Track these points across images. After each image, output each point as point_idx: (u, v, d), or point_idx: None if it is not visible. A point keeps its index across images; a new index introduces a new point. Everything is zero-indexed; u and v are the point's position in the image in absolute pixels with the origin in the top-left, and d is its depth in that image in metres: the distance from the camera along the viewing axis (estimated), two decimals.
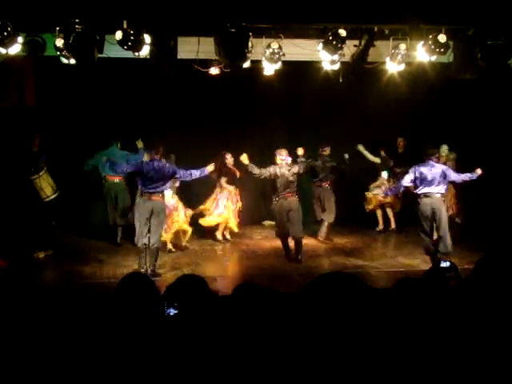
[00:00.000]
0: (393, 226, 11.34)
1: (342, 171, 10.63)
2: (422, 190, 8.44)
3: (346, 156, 10.67)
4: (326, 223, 10.59)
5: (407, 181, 8.58)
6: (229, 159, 10.32)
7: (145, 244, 8.15)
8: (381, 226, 11.41)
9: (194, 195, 10.82)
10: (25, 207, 9.25)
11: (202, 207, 10.42)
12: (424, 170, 8.42)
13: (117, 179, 10.07)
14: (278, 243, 9.80)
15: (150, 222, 8.15)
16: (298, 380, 2.41)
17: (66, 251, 9.46)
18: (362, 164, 11.40)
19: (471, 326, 2.92)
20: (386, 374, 2.46)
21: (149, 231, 8.16)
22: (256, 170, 9.05)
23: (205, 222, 10.46)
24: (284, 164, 9.12)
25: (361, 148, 11.33)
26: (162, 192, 8.23)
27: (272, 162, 9.75)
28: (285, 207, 9.08)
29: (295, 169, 9.15)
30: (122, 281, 3.07)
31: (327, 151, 10.68)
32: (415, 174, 8.45)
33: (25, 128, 9.65)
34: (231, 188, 10.44)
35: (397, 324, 2.80)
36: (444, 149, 10.30)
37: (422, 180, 8.42)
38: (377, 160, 11.37)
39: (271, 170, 9.07)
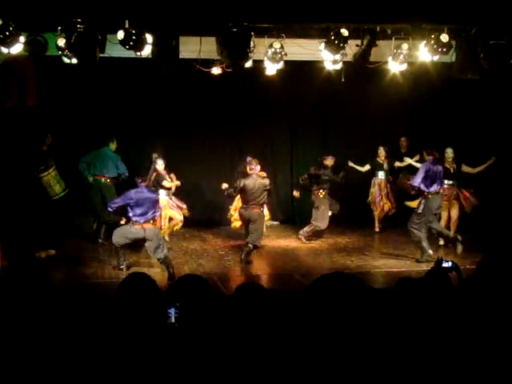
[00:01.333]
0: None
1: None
2: (431, 188, 8.70)
3: (341, 175, 10.60)
4: (312, 226, 10.47)
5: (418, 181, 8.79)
6: None
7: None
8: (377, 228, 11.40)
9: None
10: (29, 206, 9.27)
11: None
12: (433, 168, 8.69)
13: (103, 179, 10.14)
14: (279, 243, 9.84)
15: (140, 244, 8.34)
16: (300, 380, 2.41)
17: (68, 251, 9.46)
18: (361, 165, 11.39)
19: (473, 326, 2.91)
20: (388, 374, 2.45)
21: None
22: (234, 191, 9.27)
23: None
24: (254, 175, 9.20)
25: (351, 164, 11.16)
26: (153, 219, 8.35)
27: (272, 162, 9.88)
28: (244, 217, 9.25)
29: (266, 182, 9.22)
30: (123, 281, 3.07)
31: (327, 161, 10.53)
32: (425, 173, 8.69)
33: (33, 127, 9.69)
34: None
35: (398, 324, 2.80)
36: (449, 152, 10.26)
37: (431, 178, 8.70)
38: (366, 168, 11.25)
39: (238, 183, 9.17)
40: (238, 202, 10.06)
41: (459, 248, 8.48)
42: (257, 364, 2.53)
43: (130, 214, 8.18)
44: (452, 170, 9.99)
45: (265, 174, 9.79)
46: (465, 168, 10.18)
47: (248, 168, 9.37)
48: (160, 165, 9.48)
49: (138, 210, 8.13)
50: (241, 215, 9.45)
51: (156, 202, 8.40)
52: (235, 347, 2.63)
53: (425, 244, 8.87)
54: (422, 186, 8.71)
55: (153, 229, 8.22)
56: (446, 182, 9.84)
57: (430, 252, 8.81)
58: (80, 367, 2.70)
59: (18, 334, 3.01)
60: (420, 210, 8.77)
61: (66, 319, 3.19)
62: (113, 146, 10.24)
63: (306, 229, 10.46)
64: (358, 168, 11.18)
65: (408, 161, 10.81)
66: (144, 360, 2.64)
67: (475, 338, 2.82)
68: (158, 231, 8.47)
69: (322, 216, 10.33)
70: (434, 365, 2.61)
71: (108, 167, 10.14)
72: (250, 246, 9.03)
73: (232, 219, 10.47)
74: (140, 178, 8.37)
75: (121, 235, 8.23)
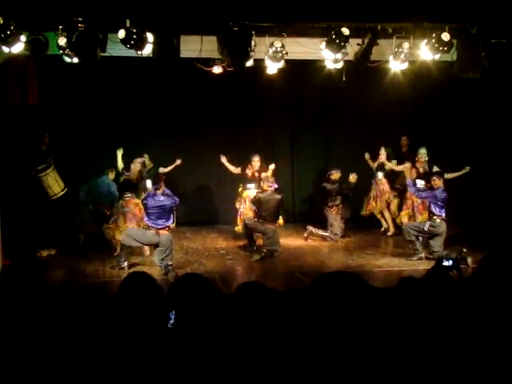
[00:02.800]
0: (391, 229, 11.14)
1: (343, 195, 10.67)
2: (444, 214, 8.96)
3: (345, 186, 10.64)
4: (325, 235, 10.60)
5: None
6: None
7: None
8: (385, 226, 11.29)
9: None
10: (30, 205, 9.27)
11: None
12: (442, 195, 8.94)
13: (101, 208, 9.84)
14: (281, 242, 9.78)
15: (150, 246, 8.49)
16: (301, 379, 2.41)
17: (69, 250, 9.46)
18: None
19: (475, 325, 2.91)
20: (389, 373, 2.45)
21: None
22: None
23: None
24: (270, 191, 9.47)
25: (367, 156, 11.07)
26: (169, 226, 8.37)
27: (272, 161, 9.94)
28: (258, 230, 9.49)
29: (280, 196, 9.56)
30: (125, 280, 3.07)
31: (333, 175, 10.57)
32: (437, 198, 8.95)
33: (33, 126, 9.68)
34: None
35: (400, 323, 2.79)
36: (422, 153, 10.28)
37: (445, 204, 8.97)
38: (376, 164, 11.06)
39: (255, 197, 9.59)
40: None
41: (469, 260, 8.47)
42: (258, 363, 2.53)
43: (146, 219, 8.31)
44: (422, 170, 10.11)
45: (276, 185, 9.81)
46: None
47: (265, 184, 9.54)
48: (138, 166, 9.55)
49: (153, 216, 8.23)
50: (252, 228, 9.54)
51: (172, 209, 8.43)
52: (236, 346, 2.63)
53: (418, 245, 9.10)
54: (436, 210, 8.93)
55: (167, 235, 8.30)
56: (418, 182, 9.90)
57: (422, 255, 9.01)
58: (81, 366, 2.70)
59: (19, 333, 3.01)
60: (426, 229, 8.95)
61: (67, 318, 3.19)
62: (111, 175, 9.94)
63: (319, 231, 10.62)
64: (371, 164, 11.12)
65: (391, 166, 10.78)
66: (145, 359, 2.64)
67: (477, 337, 2.82)
68: (172, 239, 8.49)
69: (336, 231, 10.52)
70: (436, 363, 2.61)
71: (105, 196, 9.82)
72: (264, 250, 9.25)
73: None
74: (154, 186, 8.39)
75: (132, 237, 8.31)
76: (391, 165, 10.82)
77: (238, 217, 10.39)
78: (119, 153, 9.86)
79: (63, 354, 2.78)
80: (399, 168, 10.58)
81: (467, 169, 9.97)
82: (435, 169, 10.02)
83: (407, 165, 10.25)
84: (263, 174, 9.97)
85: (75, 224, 10.41)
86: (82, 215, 10.36)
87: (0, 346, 2.90)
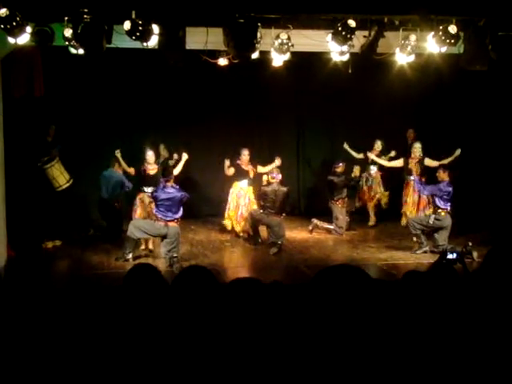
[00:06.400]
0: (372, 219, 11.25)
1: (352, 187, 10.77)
2: (449, 207, 8.99)
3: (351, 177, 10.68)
4: (330, 229, 10.59)
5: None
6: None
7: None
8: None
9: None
10: (36, 197, 9.30)
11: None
12: (447, 189, 8.94)
13: (116, 204, 9.87)
14: (286, 235, 9.79)
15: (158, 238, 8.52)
16: (305, 372, 2.41)
17: (74, 242, 9.49)
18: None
19: (479, 318, 2.90)
20: (394, 366, 2.45)
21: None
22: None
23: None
24: (275, 184, 9.48)
25: (346, 146, 11.06)
26: (177, 218, 8.38)
27: (278, 154, 9.92)
28: (263, 222, 9.51)
29: (285, 189, 9.56)
30: (129, 271, 3.07)
31: (339, 168, 10.55)
32: (442, 191, 8.96)
33: (38, 118, 9.70)
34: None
35: (404, 317, 2.79)
36: (417, 147, 10.27)
37: (451, 198, 8.98)
38: (361, 155, 11.02)
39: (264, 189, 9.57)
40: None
41: (475, 254, 8.43)
42: (261, 356, 2.53)
43: (155, 211, 8.34)
44: (415, 169, 10.08)
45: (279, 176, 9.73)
46: (428, 162, 10.12)
47: (270, 177, 9.56)
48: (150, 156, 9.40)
49: (163, 208, 8.25)
50: (258, 220, 9.55)
51: (181, 201, 8.41)
52: (240, 339, 2.63)
53: (423, 238, 9.12)
54: (441, 203, 8.95)
55: (176, 228, 8.33)
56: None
57: (427, 248, 9.04)
58: (86, 357, 2.70)
59: (24, 325, 3.02)
60: (431, 222, 8.98)
61: (72, 309, 3.20)
62: (117, 166, 9.73)
63: (324, 225, 10.62)
64: (353, 153, 11.07)
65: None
66: (149, 351, 2.64)
67: (482, 331, 2.82)
68: (180, 231, 8.53)
69: (341, 224, 10.52)
70: (439, 356, 2.61)
71: (117, 190, 9.79)
72: (280, 242, 9.23)
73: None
74: (165, 178, 8.41)
75: (139, 228, 8.33)
76: (382, 161, 10.74)
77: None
78: (118, 155, 9.48)
79: (68, 346, 2.79)
80: (391, 164, 10.56)
81: (458, 151, 9.91)
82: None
83: (401, 160, 10.36)
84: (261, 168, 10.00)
85: (84, 216, 10.45)
86: (90, 207, 10.40)
87: (6, 338, 2.91)
